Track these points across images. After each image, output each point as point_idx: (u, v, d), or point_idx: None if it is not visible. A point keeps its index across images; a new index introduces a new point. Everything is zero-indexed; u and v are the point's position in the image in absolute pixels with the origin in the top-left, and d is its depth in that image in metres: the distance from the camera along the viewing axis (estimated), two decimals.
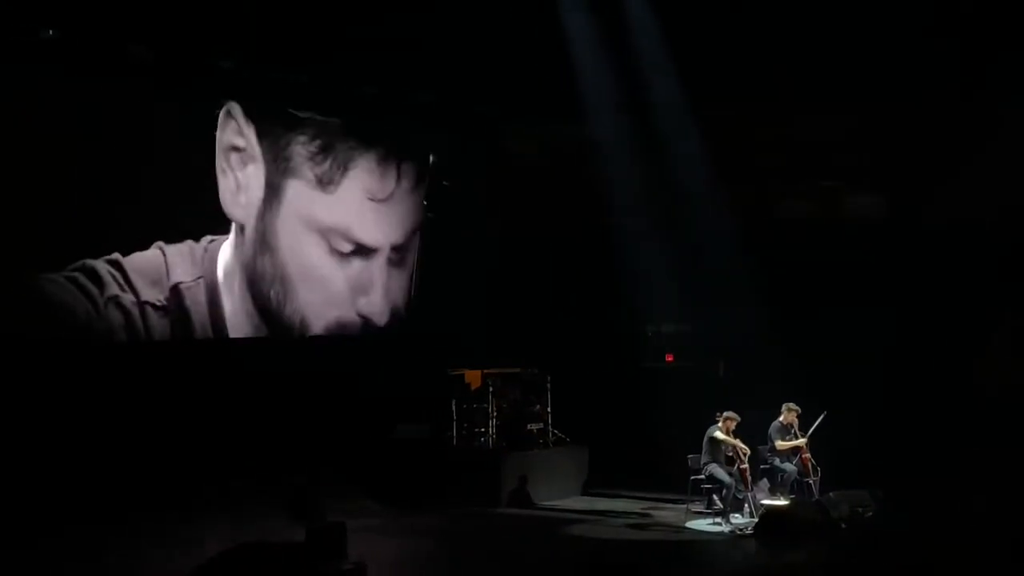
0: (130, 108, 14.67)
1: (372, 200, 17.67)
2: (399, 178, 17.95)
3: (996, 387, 15.71)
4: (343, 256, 17.37)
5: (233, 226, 15.95)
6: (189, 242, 15.36)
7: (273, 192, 16.49)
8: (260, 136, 16.29)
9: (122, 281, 14.56)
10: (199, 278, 15.44)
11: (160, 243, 14.94)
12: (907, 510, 13.36)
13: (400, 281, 18.09)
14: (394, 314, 18.00)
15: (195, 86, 15.37)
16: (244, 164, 16.16)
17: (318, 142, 16.96)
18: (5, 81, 13.35)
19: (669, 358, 17.78)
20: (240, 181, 16.14)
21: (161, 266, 14.99)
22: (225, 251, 15.87)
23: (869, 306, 15.68)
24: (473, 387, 16.18)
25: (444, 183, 18.20)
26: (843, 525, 13.10)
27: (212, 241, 15.70)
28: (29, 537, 12.15)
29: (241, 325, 16.14)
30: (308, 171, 16.89)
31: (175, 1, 14.08)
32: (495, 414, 16.04)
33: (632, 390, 17.13)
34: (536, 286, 18.02)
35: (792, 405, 14.38)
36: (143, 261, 14.76)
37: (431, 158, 18.16)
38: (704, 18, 15.46)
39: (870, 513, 13.43)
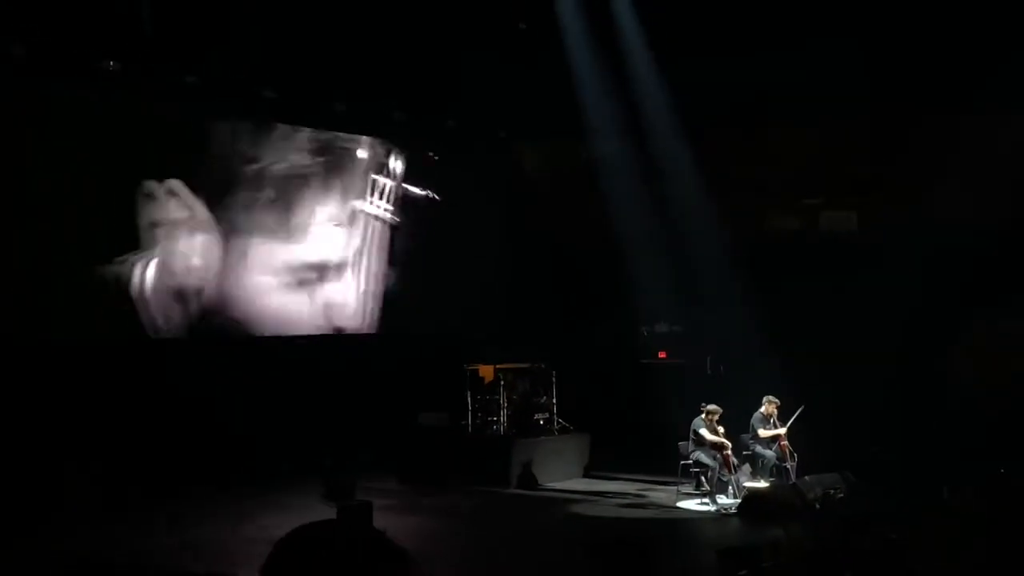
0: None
1: (339, 226, 17.41)
2: (367, 192, 17.78)
3: (970, 381, 15.75)
4: (313, 283, 17.12)
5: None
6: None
7: (235, 254, 15.92)
8: (211, 206, 15.57)
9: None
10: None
11: None
12: (878, 494, 13.22)
13: (371, 283, 17.90)
14: (372, 315, 17.86)
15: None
16: (193, 234, 15.44)
17: (281, 201, 16.49)
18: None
19: (662, 355, 17.80)
20: (193, 251, 15.47)
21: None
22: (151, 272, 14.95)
23: (845, 309, 15.68)
24: (487, 380, 16.25)
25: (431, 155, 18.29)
26: (817, 505, 12.94)
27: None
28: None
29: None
30: (274, 226, 16.42)
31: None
32: (506, 404, 16.12)
33: (629, 384, 17.19)
34: (544, 290, 18.09)
35: (772, 398, 14.45)
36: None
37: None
38: (694, 49, 15.51)
39: (841, 495, 13.37)
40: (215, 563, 10.38)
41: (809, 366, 15.06)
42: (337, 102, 16.59)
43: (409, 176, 18.23)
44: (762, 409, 14.53)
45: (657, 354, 17.85)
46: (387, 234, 18.09)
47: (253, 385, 15.09)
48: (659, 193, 17.23)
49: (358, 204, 17.63)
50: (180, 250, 15.36)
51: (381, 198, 17.94)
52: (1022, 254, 14.87)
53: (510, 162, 19.20)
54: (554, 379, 16.49)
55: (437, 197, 18.45)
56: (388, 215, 18.06)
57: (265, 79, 15.55)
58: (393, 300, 18.07)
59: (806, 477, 13.85)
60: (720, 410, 14.31)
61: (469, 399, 16.25)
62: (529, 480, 15.48)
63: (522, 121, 17.87)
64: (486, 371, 16.31)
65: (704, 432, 14.16)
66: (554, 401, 16.49)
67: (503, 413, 16.13)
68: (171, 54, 14.24)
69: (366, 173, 17.74)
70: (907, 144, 15.90)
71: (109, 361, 14.05)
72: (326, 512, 12.11)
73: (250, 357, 15.69)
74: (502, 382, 16.17)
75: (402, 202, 18.19)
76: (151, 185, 14.87)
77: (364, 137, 17.58)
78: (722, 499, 13.96)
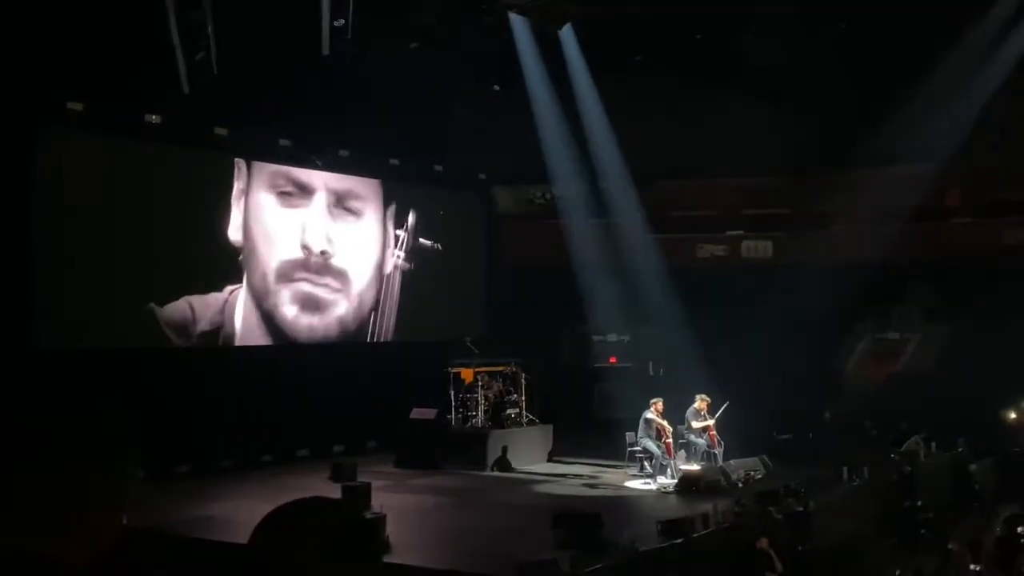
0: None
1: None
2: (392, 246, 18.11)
3: (861, 380, 15.89)
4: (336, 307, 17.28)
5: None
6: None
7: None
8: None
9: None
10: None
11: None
12: (789, 474, 13.26)
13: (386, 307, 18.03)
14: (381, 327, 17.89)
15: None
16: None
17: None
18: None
19: (612, 360, 17.58)
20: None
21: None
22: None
23: (761, 323, 15.67)
24: (467, 381, 16.15)
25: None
26: (740, 484, 13.12)
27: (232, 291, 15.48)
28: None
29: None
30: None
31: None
32: (483, 401, 16.00)
33: (585, 383, 17.08)
34: (515, 306, 17.95)
35: (703, 396, 14.37)
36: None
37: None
38: (639, 117, 15.82)
39: (759, 476, 13.52)
40: (232, 533, 10.26)
41: (733, 368, 15.07)
42: (342, 149, 16.53)
43: (419, 229, 18.43)
44: (695, 405, 14.47)
45: (608, 359, 17.67)
46: (398, 277, 18.19)
47: (279, 383, 15.05)
48: (611, 227, 17.33)
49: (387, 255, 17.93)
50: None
51: (399, 249, 18.11)
52: (898, 278, 15.12)
53: (489, 200, 19.12)
54: (523, 380, 16.42)
55: (440, 247, 18.49)
56: (403, 263, 18.18)
57: (282, 129, 15.55)
58: (391, 314, 17.98)
59: (731, 461, 13.94)
60: (661, 399, 14.37)
61: (453, 397, 16.16)
62: (503, 464, 15.39)
63: (498, 166, 17.88)
64: (467, 374, 16.21)
65: (654, 416, 14.13)
66: (523, 398, 16.39)
67: (480, 409, 16.05)
68: (204, 108, 14.15)
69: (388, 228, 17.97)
70: (812, 190, 16.12)
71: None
72: (332, 491, 12.23)
73: (279, 360, 15.64)
74: (480, 383, 16.10)
75: (412, 251, 18.34)
76: None
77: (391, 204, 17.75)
78: (662, 479, 13.92)
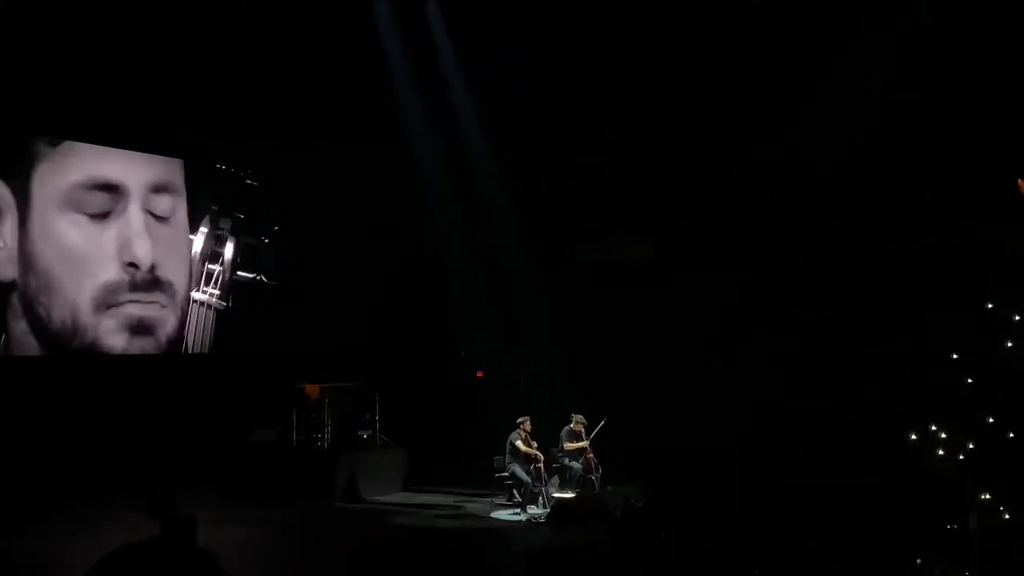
0: None
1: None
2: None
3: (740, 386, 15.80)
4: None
5: None
6: None
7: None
8: None
9: None
10: None
11: None
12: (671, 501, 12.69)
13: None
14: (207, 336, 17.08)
15: None
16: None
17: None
18: None
19: (479, 374, 17.15)
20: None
21: None
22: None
23: (642, 331, 15.51)
24: (313, 398, 15.26)
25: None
26: (618, 513, 12.57)
27: None
28: None
29: None
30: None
31: None
32: (330, 422, 15.22)
33: (447, 401, 16.55)
34: (369, 315, 16.98)
35: (580, 417, 14.00)
36: None
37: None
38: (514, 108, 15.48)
39: (639, 504, 12.89)
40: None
41: (611, 383, 14.64)
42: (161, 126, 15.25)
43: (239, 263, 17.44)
44: (571, 425, 14.07)
45: (475, 374, 17.18)
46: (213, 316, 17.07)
47: (89, 404, 13.99)
48: (482, 232, 16.93)
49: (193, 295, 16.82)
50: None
51: (214, 287, 17.04)
52: (777, 281, 15.02)
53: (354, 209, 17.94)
54: (377, 397, 15.61)
55: (266, 280, 17.60)
56: (216, 301, 17.06)
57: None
58: (231, 323, 16.94)
59: (608, 487, 13.51)
60: (529, 417, 13.90)
61: (294, 416, 15.23)
62: (352, 493, 14.51)
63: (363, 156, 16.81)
64: (312, 390, 15.32)
65: (520, 444, 13.63)
66: (376, 418, 15.61)
67: (327, 429, 15.21)
68: None
69: (202, 262, 16.89)
70: (692, 194, 16.03)
71: None
72: (150, 527, 10.90)
73: (87, 378, 14.55)
74: (327, 400, 15.22)
75: (230, 286, 17.26)
76: None
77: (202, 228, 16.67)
78: (532, 509, 13.43)
